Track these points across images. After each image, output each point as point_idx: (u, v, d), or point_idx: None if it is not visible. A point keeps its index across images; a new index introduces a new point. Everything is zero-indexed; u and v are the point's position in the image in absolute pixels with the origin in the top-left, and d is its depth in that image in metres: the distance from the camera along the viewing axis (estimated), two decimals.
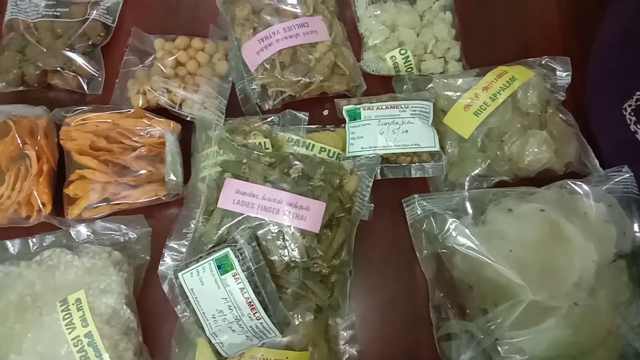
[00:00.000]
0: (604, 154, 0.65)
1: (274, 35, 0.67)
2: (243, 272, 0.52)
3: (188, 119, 0.66)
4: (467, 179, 0.64)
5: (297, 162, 0.57)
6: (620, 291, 0.56)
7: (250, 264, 0.52)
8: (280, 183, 0.56)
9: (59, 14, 0.72)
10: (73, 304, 0.55)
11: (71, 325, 0.54)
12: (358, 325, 0.60)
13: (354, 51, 0.72)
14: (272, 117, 0.67)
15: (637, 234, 0.59)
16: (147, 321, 0.60)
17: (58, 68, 0.69)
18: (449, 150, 0.65)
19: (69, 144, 0.64)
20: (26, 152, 0.63)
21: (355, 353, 0.58)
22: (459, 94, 0.66)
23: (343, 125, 0.67)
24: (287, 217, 0.54)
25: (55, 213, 0.63)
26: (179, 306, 0.56)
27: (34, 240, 0.61)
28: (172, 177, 0.63)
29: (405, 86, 0.70)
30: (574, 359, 0.54)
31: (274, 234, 0.54)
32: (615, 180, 0.61)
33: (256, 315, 0.52)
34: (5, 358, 0.54)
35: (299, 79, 0.66)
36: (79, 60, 0.70)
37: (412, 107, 0.65)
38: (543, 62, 0.70)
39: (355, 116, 0.66)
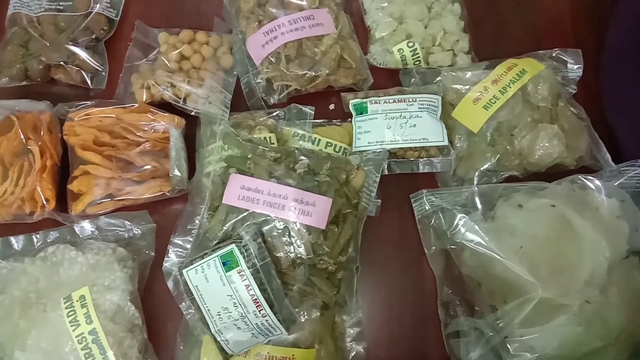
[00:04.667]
0: (623, 145, 0.64)
1: (279, 28, 0.66)
2: (248, 268, 0.51)
3: (192, 113, 0.65)
4: (476, 173, 0.63)
5: (303, 157, 0.57)
6: (632, 288, 0.55)
7: (256, 261, 0.52)
8: (286, 178, 0.55)
9: (62, 7, 0.72)
10: (77, 301, 0.54)
11: (75, 322, 0.53)
12: (365, 322, 0.59)
13: (360, 44, 0.71)
14: (278, 112, 0.67)
15: None
16: (152, 318, 0.59)
17: (61, 62, 0.69)
18: (457, 145, 0.64)
19: (72, 139, 0.64)
20: (29, 147, 0.62)
21: (362, 350, 0.58)
22: (468, 87, 0.65)
23: (349, 119, 0.66)
24: (293, 213, 0.53)
25: (59, 209, 0.63)
26: (183, 303, 0.56)
27: (37, 236, 0.61)
28: (177, 172, 0.62)
29: (413, 79, 0.69)
30: (585, 357, 0.53)
31: (280, 230, 0.54)
32: (629, 175, 0.60)
33: (262, 312, 0.51)
34: (10, 354, 0.53)
35: (305, 72, 0.66)
36: (83, 54, 0.70)
37: (420, 100, 0.64)
38: (554, 55, 0.69)
39: (362, 110, 0.65)
